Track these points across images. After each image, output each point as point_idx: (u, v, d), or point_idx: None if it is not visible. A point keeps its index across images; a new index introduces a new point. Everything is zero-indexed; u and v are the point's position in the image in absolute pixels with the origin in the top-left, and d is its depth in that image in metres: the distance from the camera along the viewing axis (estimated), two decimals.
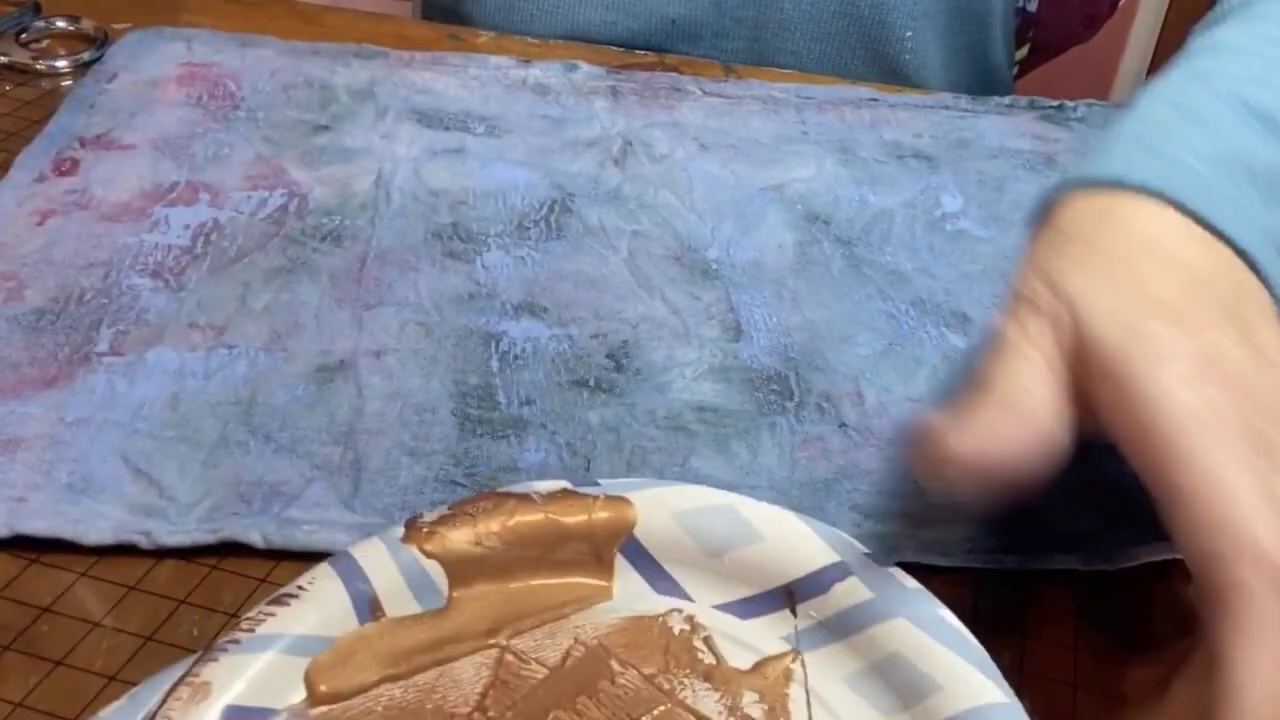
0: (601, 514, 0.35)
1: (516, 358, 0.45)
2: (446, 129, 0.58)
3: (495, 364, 0.44)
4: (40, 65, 0.62)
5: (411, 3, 0.88)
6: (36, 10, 0.66)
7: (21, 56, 0.62)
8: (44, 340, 0.44)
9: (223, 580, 0.36)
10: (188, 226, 0.50)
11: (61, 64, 0.63)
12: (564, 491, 0.35)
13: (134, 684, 0.32)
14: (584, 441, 0.41)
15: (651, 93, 0.64)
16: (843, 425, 0.42)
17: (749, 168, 0.58)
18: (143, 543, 0.36)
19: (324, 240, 0.50)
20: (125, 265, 0.48)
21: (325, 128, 0.58)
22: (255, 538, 0.36)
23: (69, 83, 0.62)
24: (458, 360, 0.44)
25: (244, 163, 0.55)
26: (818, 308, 0.48)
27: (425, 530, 0.34)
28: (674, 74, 0.66)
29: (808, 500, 0.39)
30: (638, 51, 0.70)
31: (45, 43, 0.65)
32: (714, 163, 0.58)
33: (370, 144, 0.57)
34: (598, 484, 0.35)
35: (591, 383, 0.44)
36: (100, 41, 0.64)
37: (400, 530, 0.34)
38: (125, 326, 0.45)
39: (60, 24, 0.66)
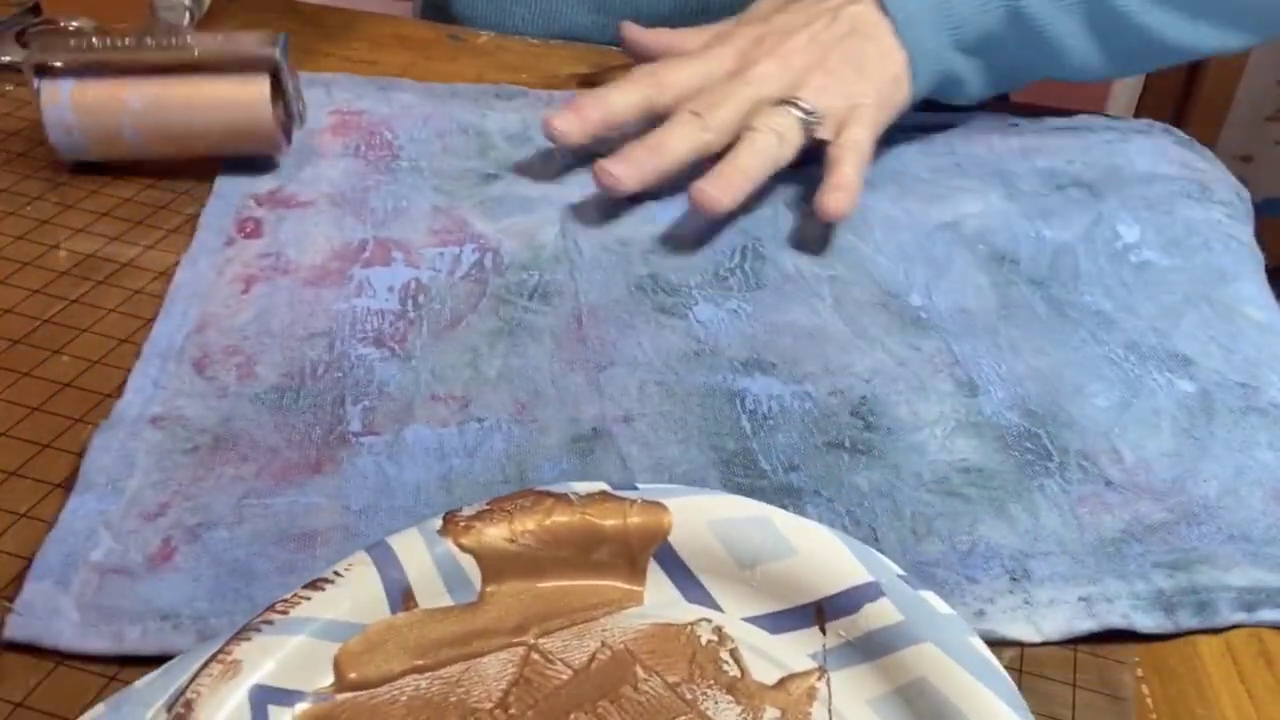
0: (637, 518, 0.35)
1: (765, 417, 0.45)
2: None
3: (747, 425, 0.44)
4: None
5: (412, 2, 0.89)
6: (36, 10, 0.66)
7: (22, 56, 0.60)
8: (293, 421, 0.43)
9: None
10: (392, 289, 0.50)
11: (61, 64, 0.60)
12: (601, 494, 0.35)
13: (133, 684, 0.32)
14: (863, 509, 0.41)
15: None
16: (1109, 484, 0.43)
17: (919, 205, 0.58)
18: None
19: (531, 298, 0.50)
20: (345, 334, 0.47)
21: (494, 175, 0.57)
22: None
23: None
24: (708, 423, 0.44)
25: (424, 215, 0.54)
26: (1039, 355, 0.49)
27: (462, 524, 0.34)
28: None
29: (1108, 563, 0.39)
30: None
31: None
32: (883, 200, 0.58)
33: (545, 191, 0.56)
34: (635, 488, 0.36)
35: (848, 444, 0.44)
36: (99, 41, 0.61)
37: (438, 522, 0.34)
38: (370, 403, 0.44)
39: (60, 24, 0.65)
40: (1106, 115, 0.66)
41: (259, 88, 0.54)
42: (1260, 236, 0.58)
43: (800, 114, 0.55)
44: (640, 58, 0.61)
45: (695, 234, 0.54)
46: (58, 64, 0.53)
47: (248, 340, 0.46)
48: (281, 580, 0.37)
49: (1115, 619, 0.37)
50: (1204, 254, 0.55)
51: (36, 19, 0.64)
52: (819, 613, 0.34)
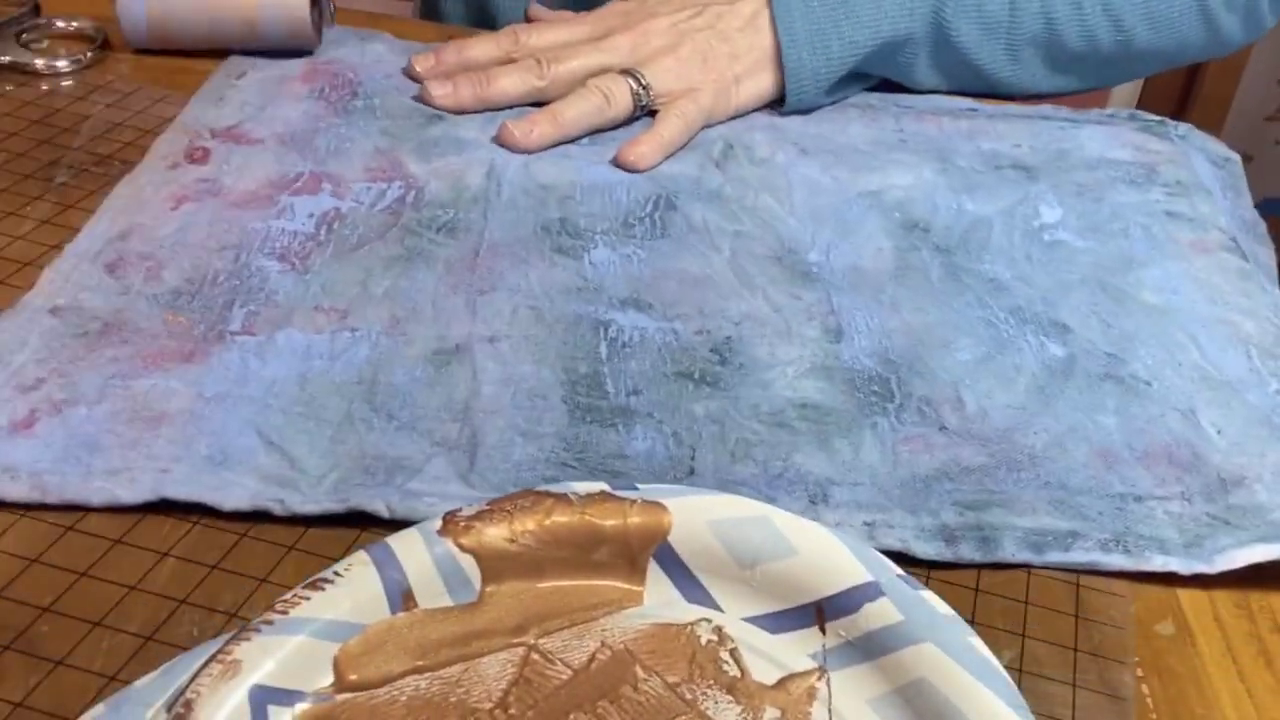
0: (637, 518, 0.35)
1: (624, 345, 0.46)
2: None
3: (604, 351, 0.46)
4: (40, 65, 0.62)
5: (413, 2, 0.91)
6: (36, 10, 0.66)
7: (21, 56, 0.63)
8: (180, 318, 0.46)
9: (222, 580, 0.37)
10: (312, 215, 0.53)
11: (61, 64, 0.63)
12: (601, 494, 0.35)
13: (133, 683, 0.32)
14: (689, 432, 0.43)
15: None
16: (943, 428, 0.43)
17: (848, 173, 0.59)
18: (277, 510, 0.38)
19: (439, 231, 0.52)
20: (254, 248, 0.50)
21: (438, 117, 0.60)
22: (380, 507, 0.38)
23: (69, 83, 0.62)
24: (568, 346, 0.46)
25: (363, 155, 0.57)
26: (917, 313, 0.49)
27: (462, 524, 0.34)
28: None
29: (910, 497, 0.40)
30: None
31: (45, 43, 0.65)
32: (814, 167, 0.59)
33: (481, 137, 0.59)
34: (635, 488, 0.36)
35: (696, 375, 0.45)
36: (100, 42, 0.64)
37: (438, 523, 0.34)
38: (256, 307, 0.47)
39: (60, 24, 0.66)
40: (1070, 109, 0.66)
41: None
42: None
43: (635, 85, 0.59)
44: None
45: (615, 184, 0.57)
46: None
47: (163, 249, 0.50)
48: (121, 454, 0.40)
49: (893, 543, 0.38)
50: (1119, 240, 0.55)
51: (37, 18, 0.65)
52: (819, 613, 0.34)
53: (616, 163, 0.57)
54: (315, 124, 0.60)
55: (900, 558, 0.38)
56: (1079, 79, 0.68)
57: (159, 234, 0.51)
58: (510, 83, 0.60)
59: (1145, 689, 0.36)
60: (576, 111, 0.59)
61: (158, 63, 0.64)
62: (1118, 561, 0.38)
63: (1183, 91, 1.84)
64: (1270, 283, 0.53)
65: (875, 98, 0.66)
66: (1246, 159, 0.64)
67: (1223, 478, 0.41)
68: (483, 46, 0.62)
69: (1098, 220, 0.56)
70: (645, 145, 0.58)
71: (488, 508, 0.35)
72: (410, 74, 0.62)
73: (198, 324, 0.46)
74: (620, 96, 0.59)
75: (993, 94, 0.67)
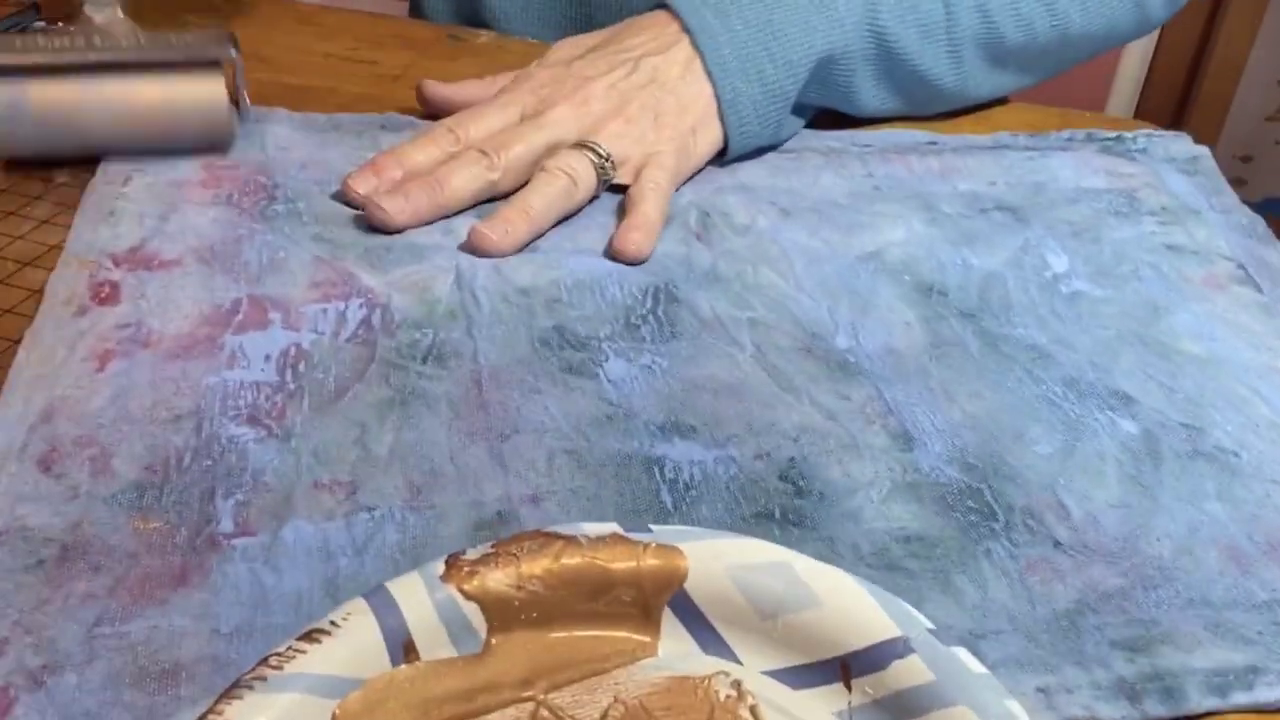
0: (651, 561, 0.33)
1: (687, 487, 0.41)
2: None
3: (667, 498, 0.40)
4: None
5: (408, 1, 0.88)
6: (36, 10, 0.65)
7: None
8: (155, 523, 0.38)
9: None
10: (269, 357, 0.45)
11: None
12: (613, 536, 0.33)
13: None
14: None
15: None
16: (1058, 544, 0.39)
17: (840, 235, 0.54)
18: None
19: (425, 361, 0.45)
20: (215, 413, 0.42)
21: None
22: None
23: None
24: (624, 498, 0.40)
25: (304, 268, 0.49)
26: (974, 400, 0.45)
27: (466, 569, 0.32)
28: None
29: (1064, 643, 0.36)
30: None
31: None
32: (800, 231, 0.55)
33: (436, 240, 0.52)
34: (649, 530, 0.33)
35: (777, 514, 0.40)
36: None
37: (440, 566, 0.32)
38: (244, 495, 0.39)
39: (60, 24, 0.64)
40: (1028, 134, 0.63)
41: (216, 84, 0.54)
42: None
43: (595, 157, 0.54)
44: (442, 113, 0.58)
45: (603, 277, 0.50)
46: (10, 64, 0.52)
47: (103, 429, 0.41)
48: None
49: (1077, 710, 0.34)
50: (1134, 283, 0.52)
51: (37, 18, 0.64)
52: (844, 668, 0.32)
53: (614, 257, 0.51)
54: (234, 234, 0.51)
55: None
56: (1017, 74, 0.65)
57: (91, 408, 0.42)
58: (462, 181, 0.53)
59: None
60: (544, 199, 0.52)
61: None
62: None
63: (1183, 92, 1.86)
64: None
65: (832, 138, 0.62)
66: (1246, 159, 0.64)
67: None
68: (422, 150, 0.54)
69: (1104, 264, 0.54)
70: (638, 233, 0.52)
71: (493, 550, 0.32)
72: (349, 197, 0.53)
73: (178, 529, 0.38)
74: (584, 173, 0.53)
75: (938, 104, 0.64)
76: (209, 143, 0.55)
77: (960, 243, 0.54)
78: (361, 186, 0.53)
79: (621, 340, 0.47)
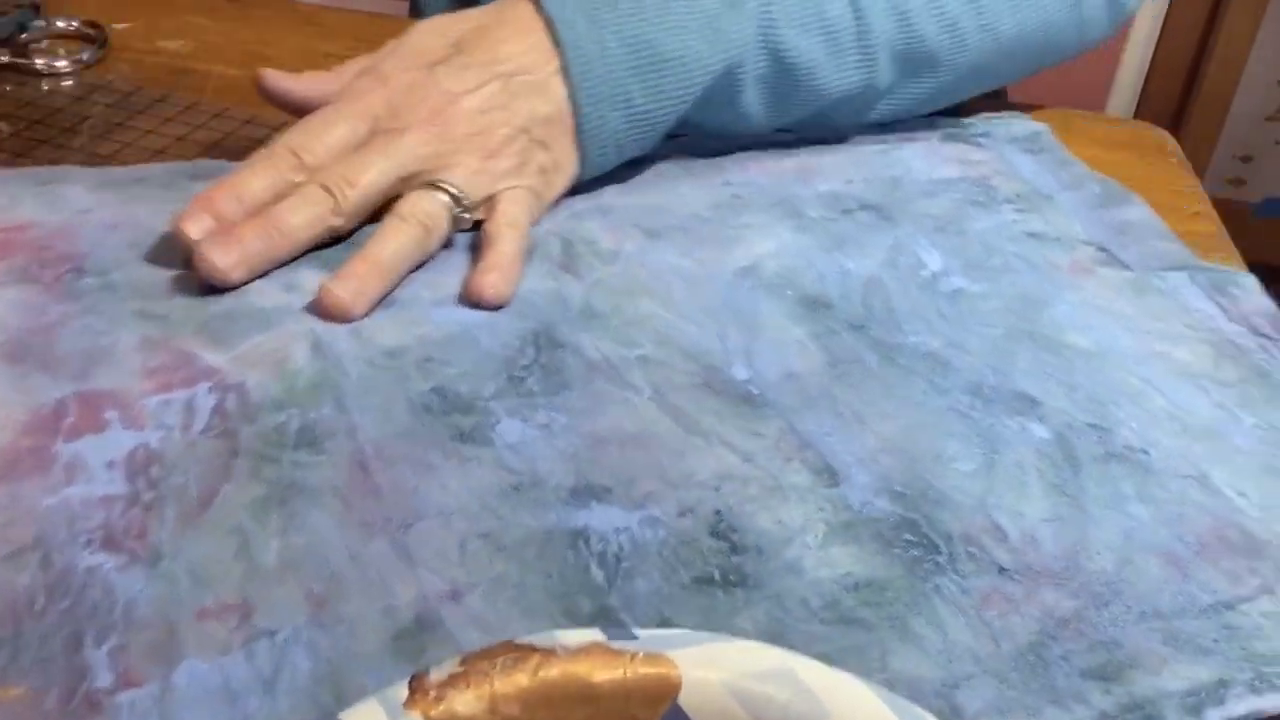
0: (640, 670, 0.30)
1: (618, 559, 0.38)
2: None
3: (599, 574, 0.37)
4: (40, 65, 0.62)
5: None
6: (36, 10, 0.65)
7: (21, 56, 0.62)
8: (16, 690, 0.32)
9: None
10: (112, 464, 0.39)
11: (61, 64, 0.62)
12: (595, 645, 0.30)
13: None
14: None
15: None
16: (1003, 570, 0.38)
17: (710, 251, 0.52)
18: None
19: (298, 448, 0.40)
20: (63, 542, 0.36)
21: (212, 288, 0.47)
22: None
23: (69, 83, 0.62)
24: (553, 581, 0.37)
25: (133, 352, 0.43)
26: (884, 420, 0.44)
27: (433, 693, 0.28)
28: None
29: (1036, 680, 0.35)
30: None
31: (45, 43, 0.65)
32: (671, 252, 0.52)
33: (281, 300, 0.47)
34: (634, 635, 0.30)
35: (717, 576, 0.37)
36: (100, 42, 0.64)
37: (403, 691, 0.28)
38: (119, 639, 0.34)
39: (60, 24, 0.66)
40: (876, 126, 0.62)
41: None
42: (1260, 236, 0.56)
43: (448, 199, 0.49)
44: (288, 108, 0.53)
45: (473, 327, 0.46)
46: None
47: None
48: None
49: None
50: (1008, 275, 0.52)
51: (36, 18, 0.64)
52: None
53: (468, 301, 0.47)
54: (42, 320, 0.44)
55: None
56: (948, 84, 0.59)
57: None
58: (302, 222, 0.47)
59: None
60: (397, 251, 0.47)
61: (158, 62, 0.64)
62: (1273, 703, 0.35)
63: (1183, 92, 1.86)
64: (1161, 274, 0.52)
65: (684, 143, 0.59)
66: (1246, 159, 0.64)
67: None
68: (261, 175, 0.47)
69: (975, 257, 0.53)
70: (494, 273, 0.47)
71: (461, 669, 0.28)
72: (181, 241, 0.46)
73: (48, 691, 0.32)
74: (438, 221, 0.49)
75: (851, 120, 0.59)
76: None
77: (832, 248, 0.53)
78: (194, 228, 0.46)
79: (509, 398, 0.43)
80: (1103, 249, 0.55)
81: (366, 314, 0.46)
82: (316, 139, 0.49)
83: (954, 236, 0.55)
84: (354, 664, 0.34)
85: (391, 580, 0.36)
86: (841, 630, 0.36)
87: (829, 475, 0.41)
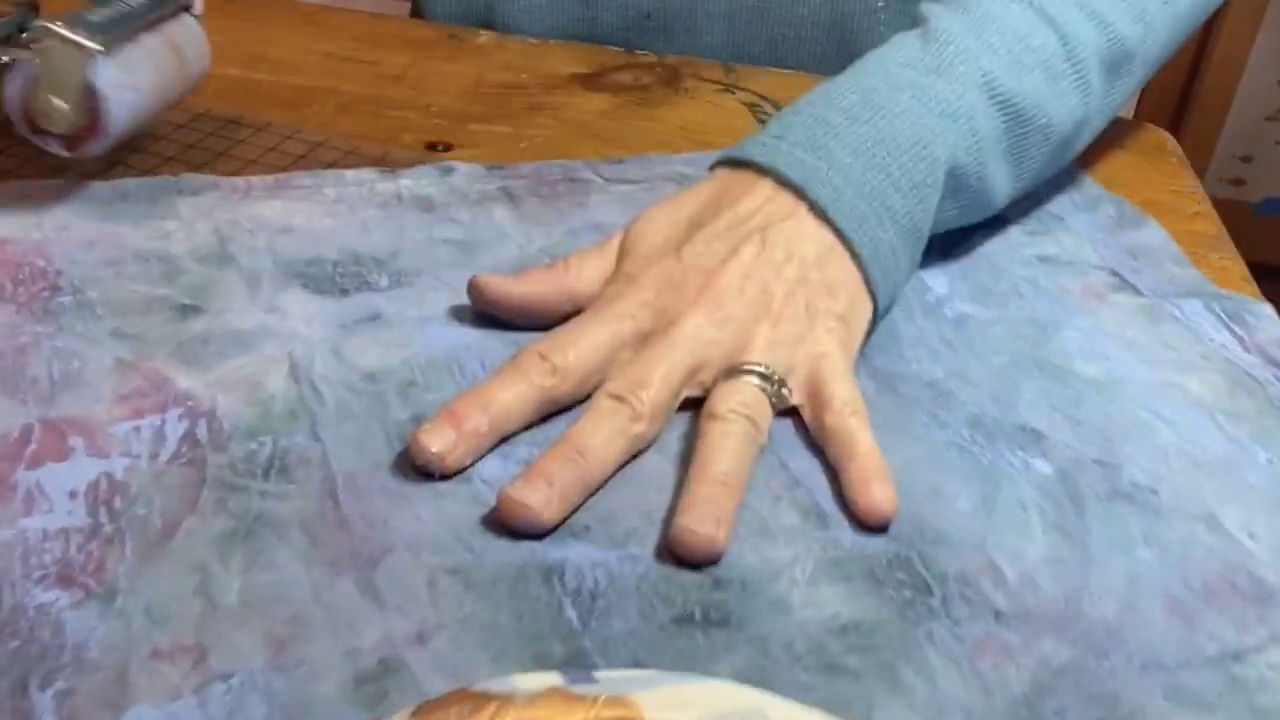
0: (603, 716, 0.28)
1: (594, 597, 0.36)
2: (344, 291, 0.47)
3: (572, 613, 0.35)
4: None
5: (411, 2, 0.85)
6: (35, 10, 0.61)
7: (22, 56, 0.57)
8: None
9: None
10: (74, 494, 0.38)
11: None
12: (553, 691, 0.29)
13: None
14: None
15: (551, 190, 0.55)
16: (999, 615, 0.36)
17: None
18: None
19: (268, 478, 0.39)
20: (16, 576, 0.35)
21: (191, 307, 0.46)
22: None
23: None
24: (525, 622, 0.35)
25: (105, 376, 0.42)
26: (883, 455, 0.42)
27: None
28: (564, 163, 0.57)
29: None
30: (638, 51, 0.68)
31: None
32: None
33: (260, 323, 0.45)
34: (594, 679, 0.29)
35: (698, 614, 0.36)
36: None
37: None
38: (66, 681, 0.32)
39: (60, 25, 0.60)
40: None
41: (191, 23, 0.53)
42: (1260, 236, 0.55)
43: (757, 380, 0.42)
44: (505, 314, 0.46)
45: (460, 351, 0.45)
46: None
47: None
48: None
49: None
50: (1016, 300, 0.50)
51: (36, 18, 0.59)
52: None
53: (860, 523, 0.39)
54: (15, 342, 0.43)
55: None
56: (1137, 82, 0.55)
57: None
58: (607, 449, 0.39)
59: None
60: (735, 460, 0.40)
61: None
62: None
63: (1183, 92, 1.85)
64: (1175, 301, 0.50)
65: (681, 161, 0.58)
66: (1246, 159, 0.63)
67: None
68: (510, 386, 0.41)
69: (983, 281, 0.51)
70: (876, 484, 0.39)
71: None
72: (421, 460, 0.39)
73: None
74: (760, 410, 0.41)
75: (1060, 161, 0.54)
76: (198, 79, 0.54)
77: None
78: (437, 443, 0.39)
79: None
80: (1115, 273, 0.53)
81: (726, 539, 0.38)
82: (571, 345, 0.42)
83: (961, 259, 0.53)
84: (312, 710, 0.32)
85: (356, 621, 0.35)
86: (826, 679, 0.34)
87: (819, 517, 0.39)
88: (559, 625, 0.35)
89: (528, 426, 0.41)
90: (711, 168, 0.49)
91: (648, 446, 0.41)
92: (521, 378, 0.41)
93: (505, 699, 0.28)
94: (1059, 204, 0.57)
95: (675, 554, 0.37)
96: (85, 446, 0.39)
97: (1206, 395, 0.46)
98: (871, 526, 0.39)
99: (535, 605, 0.36)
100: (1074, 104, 0.51)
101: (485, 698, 0.28)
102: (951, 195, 0.49)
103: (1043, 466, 0.42)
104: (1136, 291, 0.51)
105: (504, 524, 0.38)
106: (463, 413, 0.40)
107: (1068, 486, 0.41)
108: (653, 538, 0.38)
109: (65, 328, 0.44)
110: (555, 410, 0.42)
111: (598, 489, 0.39)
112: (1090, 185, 0.59)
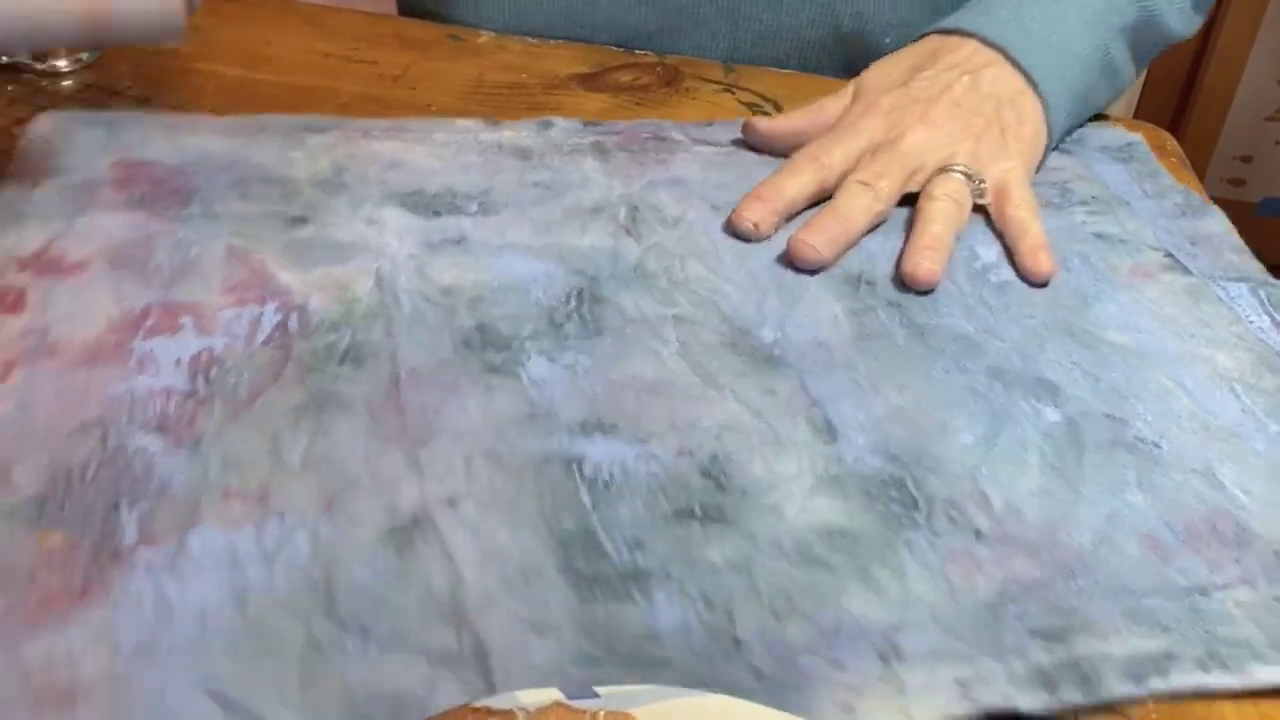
0: None
1: (607, 486, 0.40)
2: (437, 214, 0.53)
3: (587, 498, 0.40)
4: (40, 65, 0.62)
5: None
6: None
7: (22, 56, 0.62)
8: (55, 537, 0.37)
9: None
10: (179, 362, 0.44)
11: (61, 64, 0.62)
12: (555, 706, 0.30)
13: None
14: (717, 589, 0.37)
15: (640, 147, 0.60)
16: (979, 534, 0.39)
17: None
18: None
19: (342, 362, 0.44)
20: (123, 422, 0.41)
21: (301, 219, 0.52)
22: None
23: (69, 83, 0.61)
24: (543, 499, 0.39)
25: (217, 265, 0.48)
26: (900, 391, 0.45)
27: None
28: (656, 122, 0.62)
29: (984, 634, 0.36)
30: (637, 51, 0.69)
31: None
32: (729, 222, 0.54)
33: (359, 236, 0.51)
34: (595, 694, 0.30)
35: (699, 512, 0.39)
36: None
37: None
38: (149, 505, 0.38)
39: None
40: None
41: None
42: (1260, 236, 0.57)
43: (962, 176, 0.55)
44: (771, 147, 0.60)
45: (529, 281, 0.50)
46: None
47: (3, 441, 0.40)
48: None
49: (995, 699, 0.34)
50: (1063, 273, 0.52)
51: None
52: None
53: (1029, 282, 0.52)
54: (145, 235, 0.50)
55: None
56: None
57: None
58: (860, 215, 0.53)
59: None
60: (947, 224, 0.53)
61: (157, 63, 0.63)
62: (1221, 680, 0.35)
63: (1183, 91, 1.85)
64: (1223, 283, 0.52)
65: None
66: (1246, 159, 0.65)
67: (1277, 551, 0.39)
68: (796, 180, 0.55)
69: None
70: (1044, 253, 0.53)
71: None
72: (740, 229, 0.53)
73: (80, 542, 0.37)
74: (964, 197, 0.55)
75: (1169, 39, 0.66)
76: (159, 33, 0.49)
77: (892, 233, 0.54)
78: (751, 215, 0.53)
79: (545, 339, 0.46)
80: (1170, 255, 0.54)
81: (936, 281, 0.51)
82: (832, 148, 0.56)
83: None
84: (348, 551, 0.37)
85: (398, 485, 0.40)
86: (805, 569, 0.38)
87: (828, 433, 0.43)
88: (573, 506, 0.39)
89: (808, 207, 0.55)
90: (920, 37, 0.62)
91: (880, 222, 0.55)
92: (801, 171, 0.55)
93: (508, 715, 0.29)
94: (1128, 190, 0.59)
95: (904, 281, 0.51)
96: (193, 325, 0.45)
97: (1232, 369, 0.47)
98: (1037, 284, 0.52)
99: (555, 487, 0.40)
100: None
101: (488, 713, 0.29)
102: (1119, 33, 0.61)
103: (1053, 415, 0.44)
104: (1186, 272, 0.53)
105: (794, 260, 0.51)
106: (766, 195, 0.54)
107: (1072, 434, 0.43)
108: (672, 441, 0.42)
109: (189, 228, 0.50)
110: (824, 196, 0.55)
111: (851, 246, 0.53)
112: (1164, 176, 0.60)
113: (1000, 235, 0.54)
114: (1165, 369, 0.47)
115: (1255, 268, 0.54)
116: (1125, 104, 1.83)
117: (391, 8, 0.79)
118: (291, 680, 0.33)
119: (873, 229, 0.54)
